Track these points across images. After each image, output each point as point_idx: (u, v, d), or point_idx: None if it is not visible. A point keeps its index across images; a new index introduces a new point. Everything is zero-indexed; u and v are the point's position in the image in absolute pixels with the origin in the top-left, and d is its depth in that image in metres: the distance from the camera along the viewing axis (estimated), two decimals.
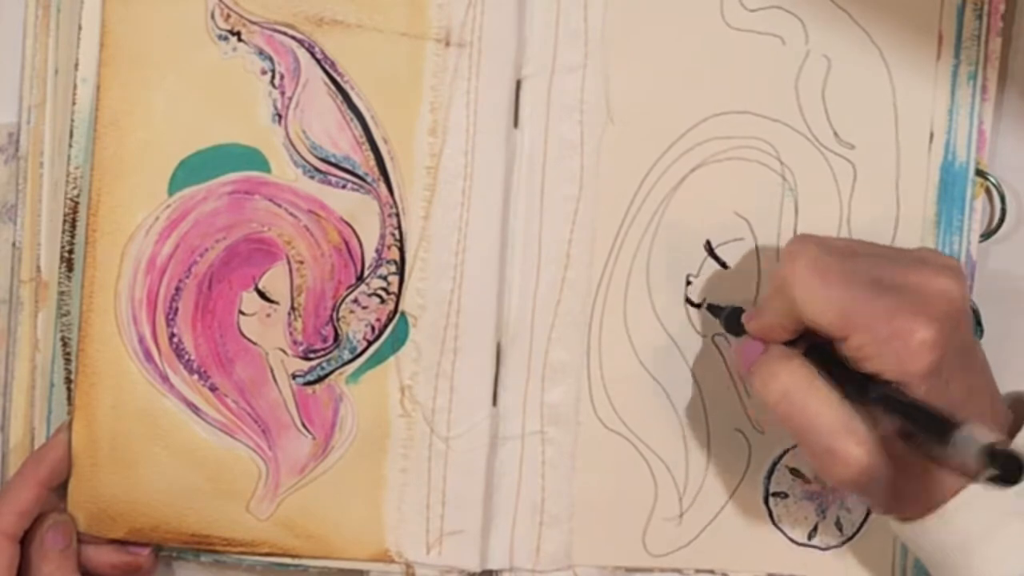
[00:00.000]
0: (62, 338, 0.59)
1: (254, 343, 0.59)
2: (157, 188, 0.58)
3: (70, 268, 0.59)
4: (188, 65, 0.58)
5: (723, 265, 0.61)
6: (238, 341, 0.59)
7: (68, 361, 0.59)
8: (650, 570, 0.62)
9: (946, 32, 0.61)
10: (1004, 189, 0.62)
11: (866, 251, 0.53)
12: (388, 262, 0.59)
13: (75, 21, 0.58)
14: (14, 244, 0.60)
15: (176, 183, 0.58)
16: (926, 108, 0.61)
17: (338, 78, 0.59)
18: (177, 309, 0.59)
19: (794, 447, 0.62)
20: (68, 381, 0.59)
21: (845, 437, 0.48)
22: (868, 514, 0.62)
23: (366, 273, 0.59)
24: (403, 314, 0.60)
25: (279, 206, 0.59)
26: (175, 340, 0.59)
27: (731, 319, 0.57)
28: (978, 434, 0.45)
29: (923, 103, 0.61)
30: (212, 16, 0.58)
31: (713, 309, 0.60)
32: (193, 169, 0.58)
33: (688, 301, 0.61)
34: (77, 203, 0.59)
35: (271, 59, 0.58)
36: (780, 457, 0.62)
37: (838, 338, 0.50)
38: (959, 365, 0.49)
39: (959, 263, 0.53)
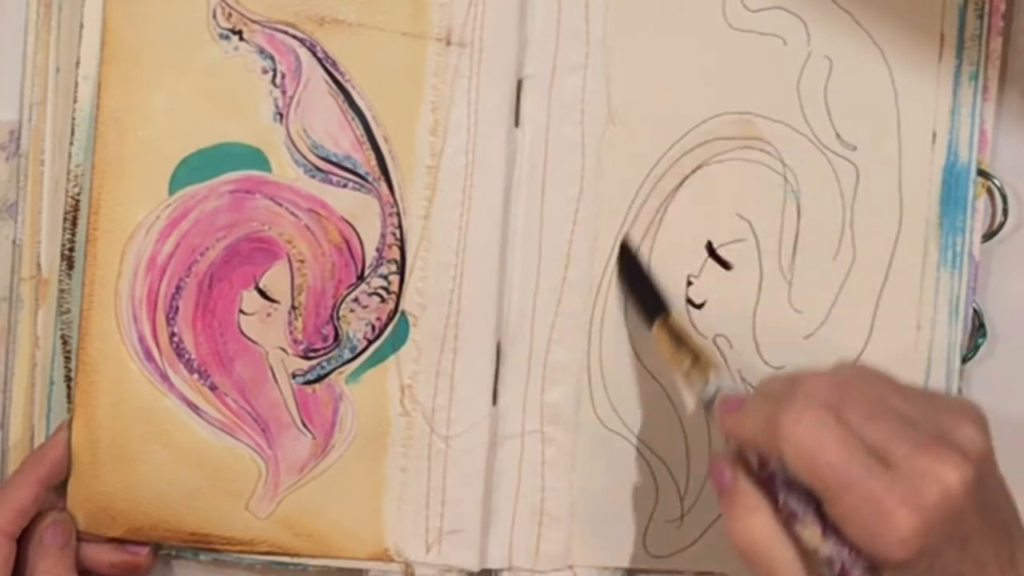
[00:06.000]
0: (62, 336, 0.59)
1: (254, 342, 0.59)
2: (158, 187, 0.58)
3: (70, 266, 0.59)
4: (189, 64, 0.58)
5: (725, 266, 0.61)
6: (238, 340, 0.59)
7: (68, 359, 0.59)
8: (650, 572, 0.61)
9: (948, 32, 0.61)
10: (1006, 189, 0.62)
11: (888, 414, 0.47)
12: (389, 261, 0.59)
13: (77, 19, 0.58)
14: (15, 241, 0.61)
15: (177, 182, 0.58)
16: (928, 109, 0.61)
17: (339, 77, 0.59)
18: (177, 308, 0.59)
19: None
20: (68, 379, 0.59)
21: None
22: None
23: (367, 272, 0.59)
24: (403, 313, 0.60)
25: (280, 205, 0.59)
26: (175, 339, 0.59)
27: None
28: None
29: (925, 104, 0.61)
30: (214, 15, 0.58)
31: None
32: (194, 168, 0.58)
33: (689, 302, 0.61)
34: (78, 201, 0.59)
35: (272, 58, 0.59)
36: None
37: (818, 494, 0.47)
38: (954, 549, 0.46)
39: (982, 443, 0.47)
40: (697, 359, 0.55)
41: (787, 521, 0.47)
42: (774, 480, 0.48)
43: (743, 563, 0.49)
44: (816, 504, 0.46)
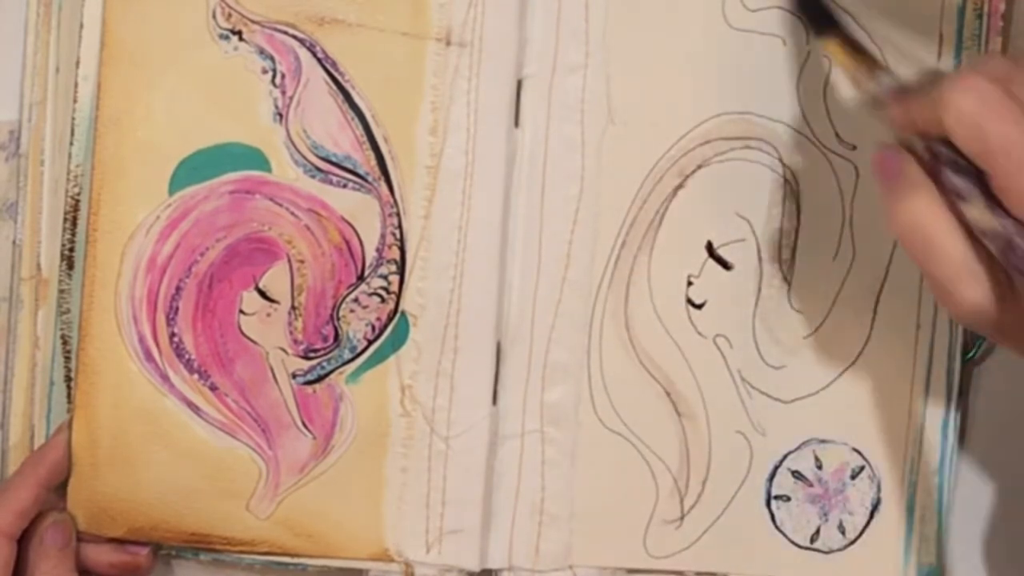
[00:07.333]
0: (62, 336, 0.59)
1: (254, 342, 0.59)
2: (158, 187, 0.58)
3: (70, 266, 0.59)
4: (189, 64, 0.58)
5: (725, 266, 0.61)
6: (238, 340, 0.59)
7: (68, 359, 0.59)
8: (650, 572, 0.61)
9: (947, 32, 0.61)
10: None
11: None
12: (388, 261, 0.59)
13: (76, 19, 0.58)
14: (14, 242, 0.61)
15: (177, 182, 0.59)
16: None
17: (339, 77, 0.59)
18: (177, 308, 0.59)
19: (796, 449, 0.62)
20: (68, 379, 0.59)
21: (964, 279, 0.47)
22: (871, 518, 0.62)
23: (367, 272, 0.59)
24: (403, 313, 0.60)
25: (280, 205, 0.59)
26: (175, 339, 0.59)
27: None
28: None
29: None
30: (213, 15, 0.58)
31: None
32: (194, 168, 0.59)
33: (689, 301, 0.61)
34: (78, 201, 0.59)
35: (272, 58, 0.59)
36: (782, 460, 0.62)
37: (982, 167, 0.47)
38: None
39: None
40: (867, 62, 0.54)
41: (953, 202, 0.47)
42: (940, 162, 0.47)
43: (903, 245, 0.49)
44: (982, 183, 0.46)
